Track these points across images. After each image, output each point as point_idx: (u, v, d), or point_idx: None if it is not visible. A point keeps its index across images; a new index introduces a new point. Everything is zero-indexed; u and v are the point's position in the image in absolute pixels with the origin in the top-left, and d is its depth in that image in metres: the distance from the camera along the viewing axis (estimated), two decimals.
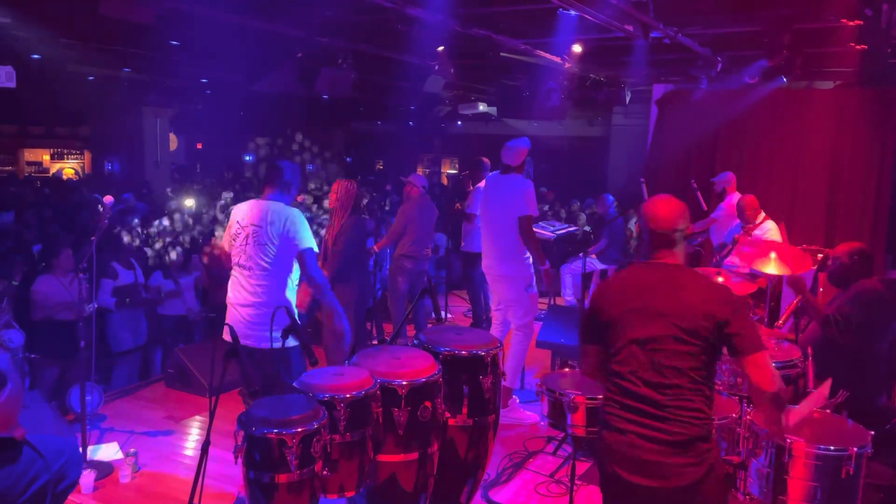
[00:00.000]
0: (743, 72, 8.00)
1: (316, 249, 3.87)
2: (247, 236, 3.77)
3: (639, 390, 2.51)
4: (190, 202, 11.09)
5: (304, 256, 3.79)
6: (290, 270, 3.83)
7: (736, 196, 7.46)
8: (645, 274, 2.63)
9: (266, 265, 3.75)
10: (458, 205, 6.81)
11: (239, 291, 3.83)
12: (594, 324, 2.68)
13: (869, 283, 4.12)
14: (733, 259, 6.28)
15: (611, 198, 8.61)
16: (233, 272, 3.86)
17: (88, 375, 4.70)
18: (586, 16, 5.87)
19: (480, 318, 7.04)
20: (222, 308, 3.98)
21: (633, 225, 9.43)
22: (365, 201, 10.31)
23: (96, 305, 5.28)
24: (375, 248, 6.58)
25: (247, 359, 3.72)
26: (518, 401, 5.25)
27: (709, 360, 2.50)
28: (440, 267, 9.79)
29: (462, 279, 7.98)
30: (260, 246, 3.75)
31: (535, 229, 5.27)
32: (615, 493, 2.63)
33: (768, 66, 7.45)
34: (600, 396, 3.32)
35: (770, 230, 6.34)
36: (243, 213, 3.87)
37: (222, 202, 11.98)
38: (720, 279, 4.46)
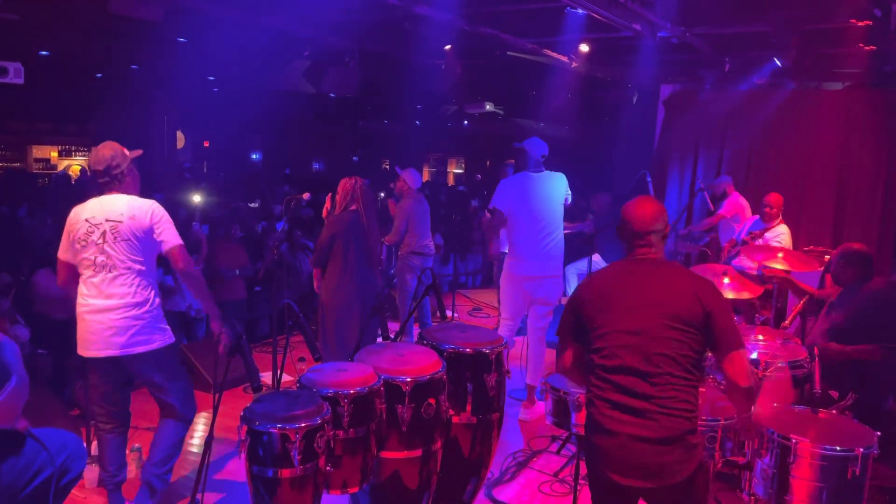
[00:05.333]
0: (751, 72, 7.98)
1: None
2: (103, 233, 3.44)
3: (627, 382, 2.53)
4: (198, 198, 11.13)
5: (172, 254, 3.54)
6: (154, 267, 3.61)
7: (737, 196, 7.47)
8: (629, 268, 2.69)
9: (133, 263, 3.47)
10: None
11: (100, 296, 3.47)
12: (576, 320, 2.71)
13: (875, 286, 4.10)
14: (742, 260, 6.27)
15: (607, 196, 8.58)
16: (85, 276, 3.50)
17: None
18: (594, 14, 5.86)
19: None
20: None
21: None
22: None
23: None
24: (385, 240, 6.62)
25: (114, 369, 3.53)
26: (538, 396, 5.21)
27: (697, 349, 2.54)
28: (445, 264, 9.80)
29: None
30: (123, 242, 3.45)
31: None
32: (607, 495, 2.64)
33: (777, 67, 7.43)
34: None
35: (782, 234, 6.32)
36: (91, 210, 3.51)
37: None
38: (726, 280, 4.45)
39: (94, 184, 3.59)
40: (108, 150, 3.54)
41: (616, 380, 2.55)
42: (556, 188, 5.05)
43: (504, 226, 5.14)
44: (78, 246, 3.48)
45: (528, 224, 5.01)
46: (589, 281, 2.79)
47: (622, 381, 2.54)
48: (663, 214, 2.73)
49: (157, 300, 3.59)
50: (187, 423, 3.74)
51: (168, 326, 3.63)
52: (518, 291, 5.11)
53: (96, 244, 3.44)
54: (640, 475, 2.50)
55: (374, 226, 5.12)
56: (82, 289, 3.51)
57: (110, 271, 3.45)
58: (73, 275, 3.57)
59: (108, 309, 3.45)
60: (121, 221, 3.45)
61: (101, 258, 3.45)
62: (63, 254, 3.55)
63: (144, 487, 3.65)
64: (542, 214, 5.01)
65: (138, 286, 3.49)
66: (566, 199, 5.11)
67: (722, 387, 3.52)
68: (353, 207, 5.00)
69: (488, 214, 6.07)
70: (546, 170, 5.10)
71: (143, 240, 3.48)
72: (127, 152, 3.60)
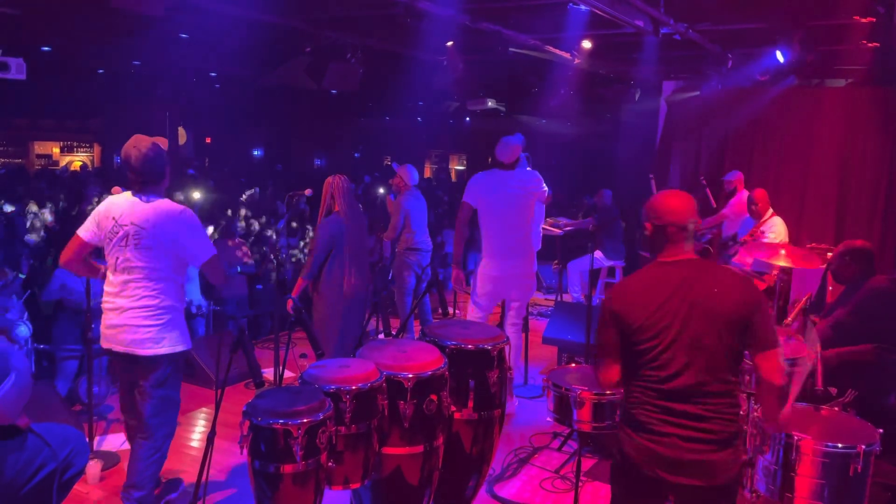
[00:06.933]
0: (754, 69, 7.96)
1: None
2: (126, 236, 3.45)
3: (681, 390, 2.46)
4: (197, 195, 11.12)
5: (204, 270, 3.61)
6: (182, 273, 3.61)
7: (744, 194, 7.44)
8: (670, 272, 2.53)
9: (150, 270, 3.47)
10: None
11: (119, 296, 3.50)
12: (618, 333, 2.52)
13: (877, 283, 4.09)
14: (742, 258, 6.26)
15: (609, 193, 8.58)
16: (109, 272, 3.54)
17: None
18: (597, 11, 5.85)
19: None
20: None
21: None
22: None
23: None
24: (384, 237, 6.64)
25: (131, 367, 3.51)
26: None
27: (741, 349, 2.49)
28: (447, 263, 9.79)
29: None
30: (144, 249, 3.45)
31: (543, 227, 5.25)
32: (652, 495, 2.57)
33: (779, 64, 7.41)
34: (608, 392, 3.33)
35: (776, 225, 6.33)
36: (120, 209, 3.51)
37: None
38: None
39: (125, 178, 3.55)
40: (152, 152, 3.48)
41: (668, 388, 2.46)
42: (527, 185, 4.98)
43: (468, 220, 5.02)
44: (105, 240, 3.51)
45: (498, 221, 4.93)
46: (624, 289, 2.60)
47: (675, 389, 2.46)
48: (696, 206, 2.63)
49: (177, 305, 3.57)
50: (152, 437, 3.59)
51: (185, 333, 3.61)
52: (494, 289, 5.03)
53: (118, 246, 3.47)
54: (693, 473, 2.45)
55: (359, 223, 4.97)
56: (106, 284, 3.56)
57: (129, 273, 3.47)
58: (80, 255, 3.59)
59: (123, 308, 3.48)
60: (144, 228, 3.44)
61: (122, 260, 3.48)
62: (84, 233, 3.55)
63: None
64: (511, 211, 4.92)
65: (154, 290, 3.48)
66: (540, 195, 5.03)
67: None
68: (336, 209, 4.85)
69: None
70: (527, 167, 5.08)
71: (167, 248, 3.47)
72: (162, 145, 3.54)
